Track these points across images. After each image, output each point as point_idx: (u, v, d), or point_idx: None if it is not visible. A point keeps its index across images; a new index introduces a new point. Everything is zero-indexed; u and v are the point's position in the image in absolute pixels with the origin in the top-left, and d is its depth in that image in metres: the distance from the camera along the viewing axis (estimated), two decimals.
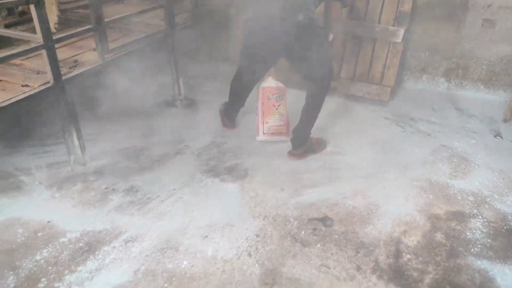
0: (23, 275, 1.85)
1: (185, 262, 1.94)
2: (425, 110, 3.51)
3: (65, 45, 2.85)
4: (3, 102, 2.07)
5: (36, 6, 1.97)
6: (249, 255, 1.99)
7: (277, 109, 2.93)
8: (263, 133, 2.91)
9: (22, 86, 2.15)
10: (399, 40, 3.44)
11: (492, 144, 3.03)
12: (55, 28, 2.94)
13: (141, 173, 2.62)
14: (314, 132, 2.78)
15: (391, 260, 1.97)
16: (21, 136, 2.87)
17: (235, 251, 2.01)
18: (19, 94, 2.14)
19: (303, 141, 2.72)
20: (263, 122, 2.90)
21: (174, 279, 1.85)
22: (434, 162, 2.77)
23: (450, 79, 3.87)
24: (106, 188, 2.47)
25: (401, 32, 3.42)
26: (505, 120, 3.37)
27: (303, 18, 2.29)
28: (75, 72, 2.37)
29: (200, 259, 1.96)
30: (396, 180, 2.58)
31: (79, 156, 2.55)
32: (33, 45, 2.08)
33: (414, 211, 2.30)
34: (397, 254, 2.00)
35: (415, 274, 1.89)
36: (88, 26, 2.40)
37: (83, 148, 2.54)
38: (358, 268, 1.92)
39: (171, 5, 3.13)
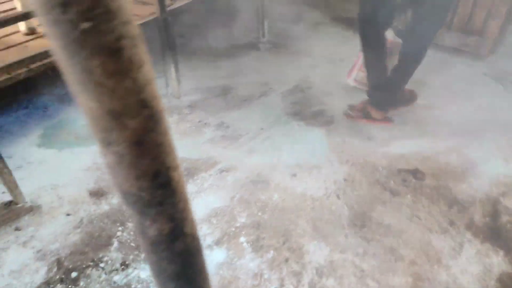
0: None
1: (276, 195, 2.04)
2: None
3: None
4: None
5: None
6: (338, 197, 2.04)
7: None
8: (354, 79, 2.81)
9: None
10: None
11: None
12: None
13: (229, 110, 2.71)
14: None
15: (487, 219, 1.91)
16: None
17: (324, 191, 2.07)
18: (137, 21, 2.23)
19: (389, 102, 2.52)
20: (359, 69, 2.77)
21: (266, 209, 1.96)
22: None
23: None
24: (199, 121, 2.60)
25: None
26: None
27: None
28: (177, 4, 2.42)
29: (290, 195, 2.04)
30: (495, 140, 2.41)
31: (175, 89, 2.68)
32: None
33: None
34: (495, 214, 1.93)
35: None
36: None
37: (179, 82, 2.66)
38: (452, 223, 1.89)
39: None
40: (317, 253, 1.74)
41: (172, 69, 2.58)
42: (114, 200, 1.99)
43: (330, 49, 3.46)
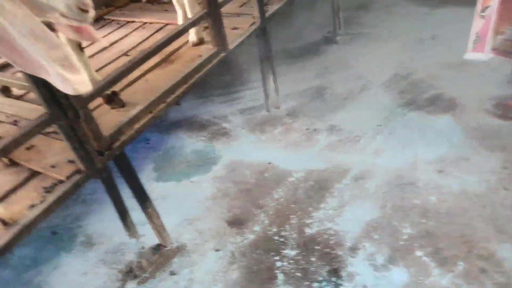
0: (271, 212, 1.91)
1: (432, 198, 1.81)
2: None
3: None
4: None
5: None
6: (505, 188, 1.78)
7: None
8: (492, 49, 2.28)
9: (231, 29, 2.11)
10: None
11: None
12: None
13: (334, 112, 2.52)
14: None
15: None
16: (207, 85, 2.95)
17: (485, 184, 1.81)
18: (243, 34, 2.05)
19: None
20: (496, 31, 2.19)
21: (429, 214, 1.74)
22: None
23: None
24: (307, 129, 2.42)
25: None
26: None
27: None
28: (271, 11, 2.26)
29: (448, 194, 1.81)
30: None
31: (274, 99, 2.52)
32: None
33: None
34: None
35: None
36: None
37: (278, 91, 2.50)
38: None
39: None
40: None
41: (271, 79, 2.42)
42: (257, 227, 1.84)
43: (413, 29, 3.18)
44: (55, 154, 1.43)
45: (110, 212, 1.79)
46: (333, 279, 1.57)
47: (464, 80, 2.49)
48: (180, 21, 2.14)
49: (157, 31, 2.34)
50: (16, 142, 1.15)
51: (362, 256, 1.63)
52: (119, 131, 1.43)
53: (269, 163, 2.21)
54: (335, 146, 2.25)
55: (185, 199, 2.07)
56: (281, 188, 2.04)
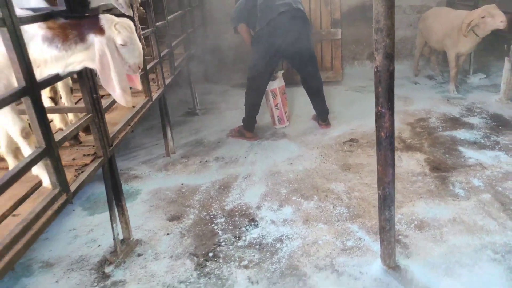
0: (197, 206, 2.67)
1: (291, 175, 2.97)
2: (366, 81, 5.12)
3: None
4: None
5: None
6: (324, 163, 3.13)
7: (287, 100, 4.06)
8: (287, 120, 3.94)
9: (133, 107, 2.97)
10: (339, 37, 5.04)
11: (415, 87, 4.73)
12: None
13: (215, 150, 3.55)
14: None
15: (402, 143, 3.31)
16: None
17: (314, 163, 3.13)
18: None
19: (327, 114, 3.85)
20: (285, 112, 3.90)
21: (292, 182, 2.87)
22: None
23: (372, 60, 5.60)
24: (200, 161, 3.34)
25: (340, 31, 5.02)
26: (416, 75, 5.16)
27: (308, 25, 3.53)
28: (169, 79, 3.27)
29: (298, 171, 3.01)
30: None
31: (171, 146, 3.39)
32: None
33: (400, 124, 3.70)
34: (404, 139, 3.35)
35: (417, 144, 3.25)
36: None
37: (173, 140, 3.39)
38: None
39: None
40: None
41: (168, 131, 3.32)
42: (191, 215, 2.56)
43: (240, 105, 4.70)
44: (69, 155, 1.95)
45: (59, 239, 2.22)
46: (252, 223, 2.44)
47: (289, 127, 3.98)
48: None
49: None
50: (70, 134, 1.70)
51: (264, 208, 2.58)
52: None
53: (182, 184, 2.98)
54: (224, 166, 3.23)
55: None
56: (198, 194, 2.83)
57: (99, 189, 2.90)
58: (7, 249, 1.21)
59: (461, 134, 3.40)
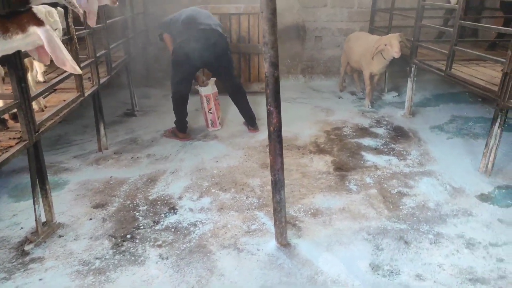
0: (123, 196, 2.88)
1: (215, 171, 3.29)
2: (297, 93, 5.62)
3: None
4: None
5: None
6: (247, 161, 3.48)
7: (220, 105, 4.41)
8: (219, 124, 4.28)
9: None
10: None
11: (339, 101, 5.30)
12: None
13: (147, 148, 3.77)
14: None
15: (316, 147, 3.77)
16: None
17: (238, 162, 3.47)
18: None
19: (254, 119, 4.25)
20: (218, 117, 4.25)
21: (214, 176, 3.18)
22: (315, 112, 4.79)
23: (305, 75, 6.16)
24: (132, 157, 3.55)
25: None
26: (341, 90, 5.76)
27: (224, 42, 3.93)
28: (105, 79, 3.45)
29: (222, 168, 3.33)
30: (302, 122, 4.45)
31: (104, 142, 3.55)
32: None
33: (318, 131, 4.18)
34: (318, 144, 3.82)
35: (328, 149, 3.73)
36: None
37: (106, 136, 3.56)
38: (303, 154, 3.63)
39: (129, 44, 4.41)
40: None
41: (102, 127, 3.49)
42: (115, 204, 2.76)
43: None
44: None
45: None
46: (172, 211, 2.70)
47: (221, 130, 4.31)
48: None
49: None
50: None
51: (185, 199, 2.86)
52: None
53: (111, 177, 3.17)
54: (154, 162, 3.47)
55: None
56: (125, 185, 3.04)
57: (28, 179, 3.00)
58: None
59: (366, 141, 3.94)
